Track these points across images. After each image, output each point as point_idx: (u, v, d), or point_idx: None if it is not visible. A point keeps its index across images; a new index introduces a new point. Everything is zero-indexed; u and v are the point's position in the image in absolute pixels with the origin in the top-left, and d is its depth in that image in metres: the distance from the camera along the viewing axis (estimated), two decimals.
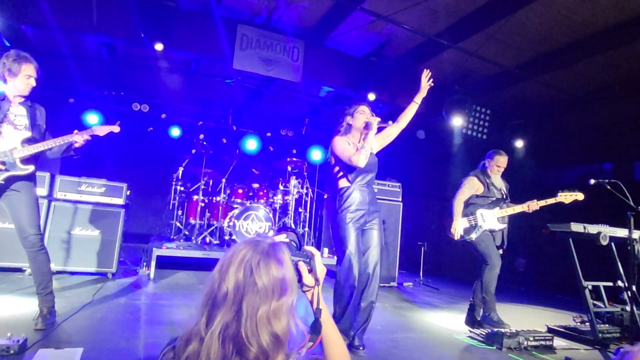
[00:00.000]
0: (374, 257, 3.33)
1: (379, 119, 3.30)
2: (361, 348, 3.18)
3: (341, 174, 3.39)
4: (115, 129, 3.40)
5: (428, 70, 3.49)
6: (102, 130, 3.32)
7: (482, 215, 4.27)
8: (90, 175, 5.23)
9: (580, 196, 4.31)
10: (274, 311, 1.08)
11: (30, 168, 3.14)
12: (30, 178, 3.19)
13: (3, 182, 3.03)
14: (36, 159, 3.22)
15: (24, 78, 3.09)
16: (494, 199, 4.37)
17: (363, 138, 3.35)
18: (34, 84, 3.15)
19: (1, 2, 4.84)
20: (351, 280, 3.18)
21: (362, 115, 3.40)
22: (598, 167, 8.08)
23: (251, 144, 9.37)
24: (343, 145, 3.34)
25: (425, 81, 3.48)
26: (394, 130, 3.57)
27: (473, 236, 4.19)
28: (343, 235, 3.26)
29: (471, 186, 4.39)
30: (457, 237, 4.22)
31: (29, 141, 3.14)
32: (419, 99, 3.52)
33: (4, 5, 4.86)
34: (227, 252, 1.15)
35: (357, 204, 3.29)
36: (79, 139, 3.21)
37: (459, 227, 4.21)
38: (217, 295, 1.09)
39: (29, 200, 3.16)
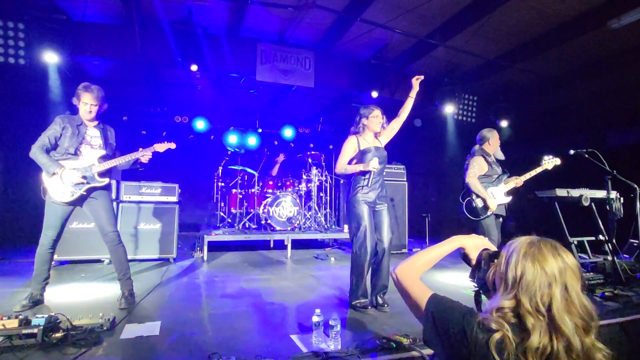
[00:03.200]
0: (387, 234, 3.36)
1: (371, 168, 3.23)
2: (386, 305, 3.24)
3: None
4: (172, 145, 3.48)
5: (420, 76, 3.46)
6: (162, 147, 3.41)
7: (492, 193, 4.05)
8: (146, 180, 5.33)
9: (558, 161, 4.18)
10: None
11: (106, 180, 3.25)
12: (106, 187, 3.30)
13: (85, 193, 3.14)
14: (110, 172, 3.31)
15: (82, 105, 3.15)
16: (497, 175, 4.16)
17: (356, 162, 3.38)
18: (89, 109, 3.15)
19: (62, 41, 4.91)
20: (366, 250, 3.20)
21: (376, 119, 3.38)
22: (573, 138, 7.89)
23: (275, 143, 9.40)
24: (346, 148, 3.40)
25: (416, 81, 3.44)
26: (397, 124, 3.53)
27: (489, 212, 3.99)
28: (357, 213, 3.27)
29: (480, 166, 4.10)
30: (495, 209, 3.98)
31: (104, 158, 3.24)
32: (413, 93, 3.48)
33: (65, 43, 4.93)
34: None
35: (367, 187, 3.30)
36: (145, 159, 3.34)
37: (491, 202, 3.97)
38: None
39: (106, 205, 3.27)
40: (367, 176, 3.31)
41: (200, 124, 8.69)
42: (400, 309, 3.27)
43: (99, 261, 4.94)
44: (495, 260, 1.25)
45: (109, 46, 5.56)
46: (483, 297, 1.36)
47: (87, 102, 3.14)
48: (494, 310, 1.10)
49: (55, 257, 4.58)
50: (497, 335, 1.03)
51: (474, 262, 1.39)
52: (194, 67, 5.59)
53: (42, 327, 2.28)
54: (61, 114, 3.20)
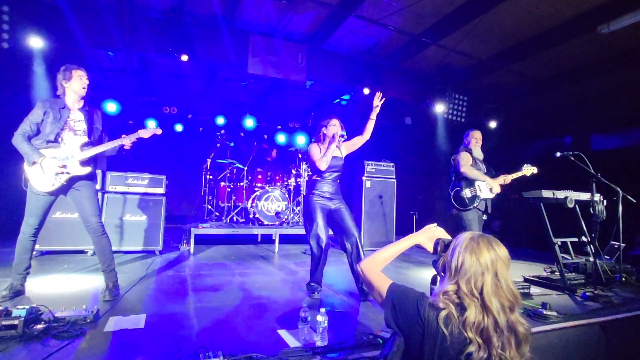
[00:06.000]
0: (353, 227, 3.54)
1: (341, 133, 3.53)
2: None
3: (314, 170, 3.63)
4: (158, 131, 3.37)
5: (380, 93, 3.59)
6: (147, 133, 3.31)
7: (479, 186, 4.26)
8: (133, 170, 5.24)
9: (535, 170, 4.38)
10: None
11: (88, 169, 3.14)
12: (90, 177, 3.20)
13: (65, 183, 3.07)
14: (94, 160, 3.22)
15: (77, 79, 3.07)
16: (484, 172, 4.36)
17: (327, 148, 3.57)
18: (87, 82, 3.11)
19: (48, 26, 4.78)
20: (320, 243, 3.44)
21: (333, 127, 3.59)
22: (559, 140, 8.04)
23: (265, 136, 9.35)
24: (314, 151, 3.61)
25: (378, 101, 3.58)
26: (359, 141, 3.76)
27: (476, 203, 4.20)
28: (311, 211, 3.51)
29: (468, 159, 4.34)
30: (499, 189, 4.26)
31: (87, 145, 3.14)
32: (374, 115, 3.64)
33: (50, 28, 4.80)
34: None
35: (322, 191, 3.54)
36: (127, 142, 3.21)
37: (494, 183, 4.23)
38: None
39: (90, 195, 3.18)
40: (320, 179, 3.57)
41: (189, 116, 8.58)
42: None
43: (82, 252, 4.86)
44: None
45: (96, 32, 5.41)
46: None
47: (83, 76, 3.10)
48: (441, 293, 1.34)
49: (37, 247, 4.50)
50: (443, 313, 1.27)
51: (431, 251, 1.60)
52: (184, 58, 5.49)
53: (23, 319, 2.23)
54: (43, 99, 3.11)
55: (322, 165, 3.48)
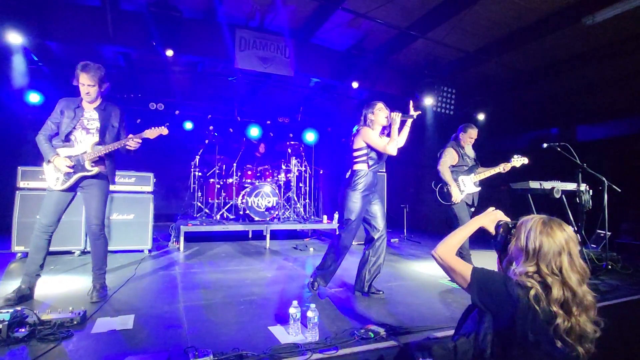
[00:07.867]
0: (382, 223, 3.45)
1: (400, 114, 3.30)
2: (381, 292, 3.39)
3: (364, 158, 3.34)
4: (164, 131, 3.29)
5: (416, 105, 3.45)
6: (153, 134, 3.25)
7: (463, 181, 4.24)
8: (119, 168, 5.13)
9: (525, 160, 4.32)
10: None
11: (97, 169, 3.09)
12: (101, 176, 3.15)
13: (75, 182, 3.06)
14: (105, 159, 3.16)
15: (80, 86, 3.03)
16: (469, 166, 4.34)
17: (388, 133, 3.37)
18: (87, 90, 3.02)
19: (27, 22, 4.65)
20: (348, 243, 3.35)
21: (382, 112, 3.37)
22: (546, 132, 8.13)
23: (254, 132, 9.26)
24: (373, 135, 3.32)
25: (413, 110, 3.40)
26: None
27: (459, 198, 4.17)
28: (353, 207, 3.30)
29: (451, 156, 4.30)
30: (459, 200, 4.13)
31: (99, 144, 3.11)
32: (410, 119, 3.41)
33: (30, 24, 4.67)
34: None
35: (368, 185, 3.34)
36: (132, 143, 3.16)
37: (456, 191, 4.15)
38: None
39: (98, 196, 3.15)
40: (371, 168, 3.35)
41: (177, 112, 8.46)
42: (379, 300, 3.31)
43: (69, 252, 4.77)
44: (513, 231, 1.60)
45: (78, 28, 5.28)
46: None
47: (84, 83, 3.01)
48: (523, 274, 1.44)
49: (23, 248, 4.42)
50: (532, 292, 1.38)
51: (494, 232, 1.71)
52: (169, 52, 5.41)
53: (6, 323, 2.17)
54: (63, 97, 3.10)
55: (394, 150, 3.23)
